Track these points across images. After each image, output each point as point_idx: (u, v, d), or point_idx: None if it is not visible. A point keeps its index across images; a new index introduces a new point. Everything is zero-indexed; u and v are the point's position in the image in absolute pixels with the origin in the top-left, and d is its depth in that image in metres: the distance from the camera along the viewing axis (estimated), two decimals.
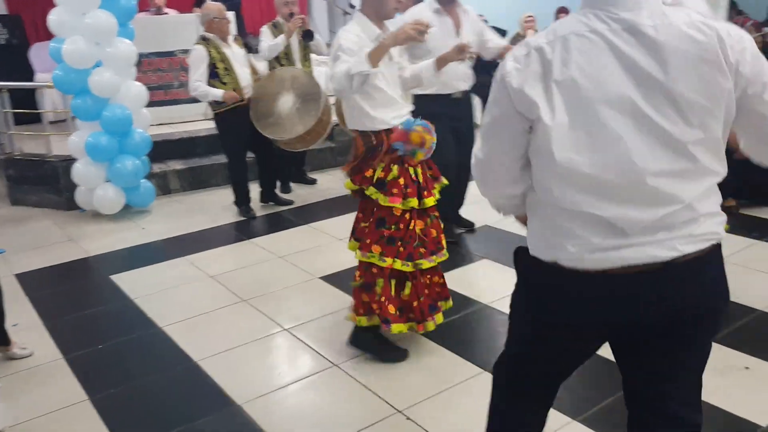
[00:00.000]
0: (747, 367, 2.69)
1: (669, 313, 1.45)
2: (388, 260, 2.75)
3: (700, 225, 1.41)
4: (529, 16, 7.81)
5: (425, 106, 3.58)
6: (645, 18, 1.36)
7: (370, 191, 2.78)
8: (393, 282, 2.82)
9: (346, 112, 2.87)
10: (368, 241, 2.81)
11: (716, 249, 1.46)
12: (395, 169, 2.75)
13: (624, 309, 1.44)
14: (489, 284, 3.67)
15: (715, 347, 2.83)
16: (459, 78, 3.96)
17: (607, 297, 1.44)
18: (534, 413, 1.77)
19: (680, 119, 1.35)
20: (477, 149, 1.59)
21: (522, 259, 1.58)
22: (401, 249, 2.76)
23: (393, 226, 2.76)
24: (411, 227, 2.78)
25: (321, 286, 3.75)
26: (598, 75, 1.36)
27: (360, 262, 2.87)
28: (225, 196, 5.40)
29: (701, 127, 1.36)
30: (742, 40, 1.37)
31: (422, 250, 2.81)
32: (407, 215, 2.78)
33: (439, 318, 2.92)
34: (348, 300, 3.49)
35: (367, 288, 2.83)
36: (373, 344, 2.93)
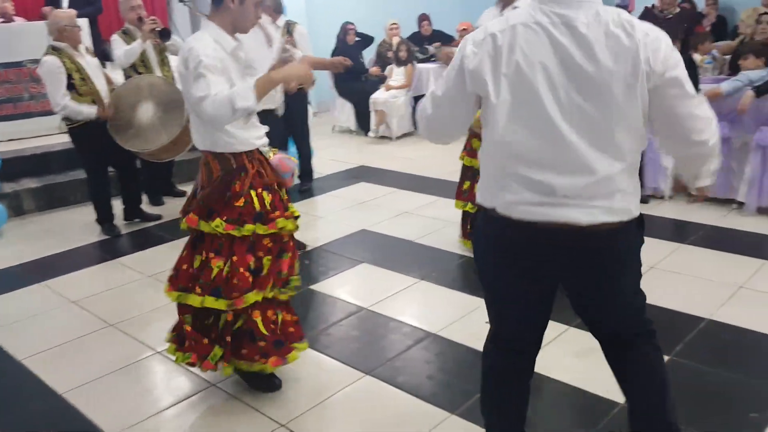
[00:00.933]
0: None
1: (580, 265, 1.76)
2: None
3: (618, 200, 1.68)
4: (394, 24, 8.01)
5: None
6: (581, 16, 1.62)
7: (249, 228, 2.51)
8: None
9: (196, 130, 2.56)
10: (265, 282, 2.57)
11: (629, 224, 1.73)
12: (266, 194, 2.57)
13: (543, 257, 1.75)
14: (369, 288, 3.71)
15: (573, 332, 3.07)
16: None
17: (531, 244, 1.74)
18: (522, 361, 2.00)
19: (603, 105, 1.61)
20: (426, 106, 1.86)
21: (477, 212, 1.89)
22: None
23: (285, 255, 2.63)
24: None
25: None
26: (536, 60, 1.62)
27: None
28: (86, 214, 5.09)
29: (620, 114, 1.62)
30: (657, 40, 1.62)
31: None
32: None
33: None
34: None
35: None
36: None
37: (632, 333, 1.93)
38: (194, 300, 2.58)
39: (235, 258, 2.53)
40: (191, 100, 2.38)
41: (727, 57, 5.66)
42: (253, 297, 2.53)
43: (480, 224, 1.87)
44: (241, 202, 2.51)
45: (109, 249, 4.60)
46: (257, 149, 2.61)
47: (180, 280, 2.63)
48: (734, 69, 5.04)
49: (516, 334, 1.96)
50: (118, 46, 4.94)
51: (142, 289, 3.89)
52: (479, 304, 3.39)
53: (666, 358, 2.74)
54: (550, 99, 1.62)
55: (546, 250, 1.74)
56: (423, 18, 8.49)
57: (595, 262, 1.75)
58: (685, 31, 5.78)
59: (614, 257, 1.76)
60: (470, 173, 3.87)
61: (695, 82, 4.81)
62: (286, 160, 2.80)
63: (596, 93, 1.61)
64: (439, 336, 3.12)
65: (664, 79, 1.61)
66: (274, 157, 2.72)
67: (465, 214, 4.05)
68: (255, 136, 2.59)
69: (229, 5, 2.41)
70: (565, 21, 1.62)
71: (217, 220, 2.50)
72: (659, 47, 1.61)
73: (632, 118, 1.64)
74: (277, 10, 4.93)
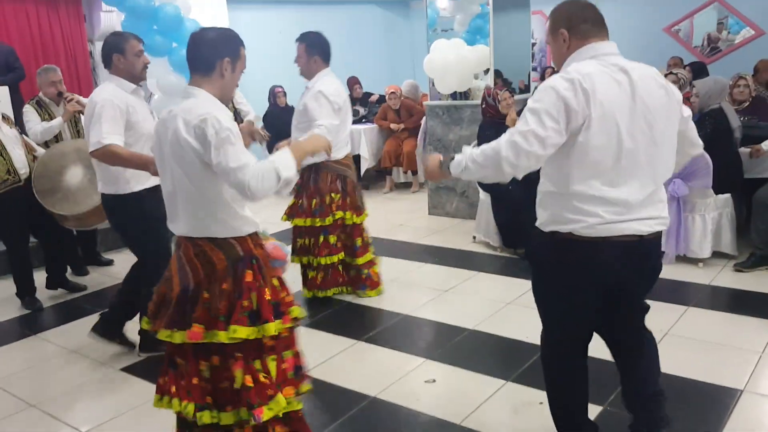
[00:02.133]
0: (541, 402, 2.94)
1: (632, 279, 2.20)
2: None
3: (663, 210, 2.15)
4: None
5: None
6: (624, 62, 2.07)
7: (246, 332, 2.16)
8: None
9: (186, 215, 2.19)
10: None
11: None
12: (268, 290, 2.25)
13: (613, 267, 2.12)
14: (305, 352, 3.64)
15: (511, 386, 3.10)
16: None
17: (605, 257, 2.10)
18: (581, 369, 2.39)
19: (657, 131, 2.07)
20: (521, 141, 2.00)
21: (540, 248, 2.24)
22: None
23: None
24: None
25: (121, 377, 3.46)
26: (612, 99, 1.99)
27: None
28: (4, 287, 4.84)
29: (667, 137, 2.12)
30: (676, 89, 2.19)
31: None
32: None
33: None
34: (152, 388, 3.27)
35: None
36: None
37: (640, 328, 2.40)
38: (228, 418, 2.22)
39: (258, 361, 2.22)
40: (221, 170, 2.05)
41: None
42: (281, 403, 2.23)
43: (551, 248, 2.18)
44: (254, 297, 2.20)
45: (29, 324, 4.36)
46: (255, 232, 2.31)
47: (194, 398, 2.24)
48: None
49: (582, 337, 2.35)
50: (32, 118, 4.84)
51: (64, 365, 3.68)
52: (418, 362, 3.39)
53: (598, 408, 2.82)
54: (624, 128, 2.01)
55: (616, 261, 2.10)
56: (354, 81, 8.74)
57: (650, 265, 2.23)
58: None
59: (660, 261, 2.28)
60: (299, 231, 4.26)
61: None
62: (281, 246, 2.47)
63: (652, 120, 2.05)
64: (378, 399, 3.08)
65: (683, 116, 2.22)
66: (269, 243, 2.40)
67: (303, 266, 4.33)
68: (252, 215, 2.30)
69: (223, 73, 2.22)
70: (620, 68, 2.05)
71: (236, 326, 2.15)
72: (679, 93, 2.19)
73: (673, 140, 2.15)
74: None
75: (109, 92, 3.24)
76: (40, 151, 4.72)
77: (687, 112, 2.25)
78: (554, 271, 2.21)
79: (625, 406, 2.50)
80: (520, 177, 2.08)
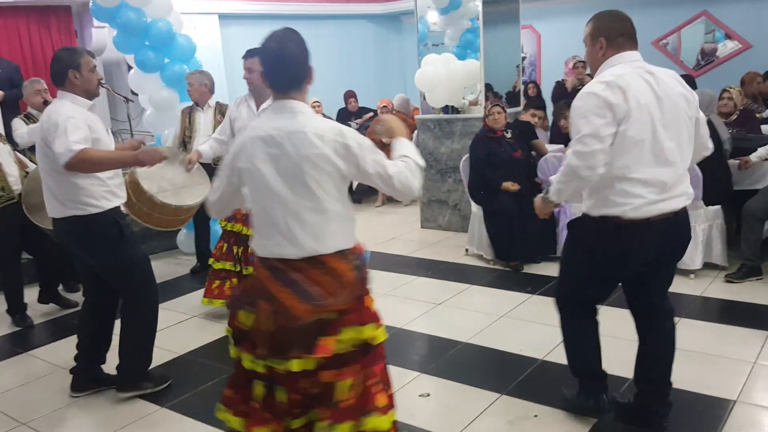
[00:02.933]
0: (536, 415, 2.95)
1: (674, 248, 2.60)
2: None
3: (688, 187, 2.52)
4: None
5: None
6: (649, 66, 2.46)
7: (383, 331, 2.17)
8: None
9: (333, 232, 2.09)
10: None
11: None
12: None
13: (661, 242, 2.51)
14: None
15: (505, 399, 3.10)
16: None
17: (650, 235, 2.46)
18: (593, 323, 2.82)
19: (681, 122, 2.47)
20: (581, 147, 2.37)
21: (583, 222, 2.61)
22: None
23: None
24: None
25: (112, 395, 3.41)
26: (643, 98, 2.36)
27: None
28: None
29: (688, 128, 2.50)
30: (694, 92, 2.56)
31: None
32: None
33: None
34: (147, 406, 3.25)
35: None
36: None
37: (666, 305, 2.73)
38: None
39: (366, 370, 2.14)
40: (381, 178, 2.07)
41: None
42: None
43: (601, 231, 2.51)
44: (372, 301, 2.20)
45: (20, 341, 4.32)
46: None
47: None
48: None
49: (601, 300, 2.82)
50: (19, 127, 4.92)
51: (55, 382, 3.65)
52: (412, 376, 3.38)
53: (593, 420, 2.82)
54: (657, 118, 2.39)
55: (662, 236, 2.47)
56: (350, 95, 8.87)
57: (684, 235, 2.59)
58: None
59: (689, 229, 2.63)
60: (228, 236, 4.27)
61: None
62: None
63: (677, 113, 2.43)
64: None
65: (698, 117, 2.57)
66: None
67: (214, 271, 4.30)
68: None
69: (312, 79, 2.15)
70: (647, 71, 2.43)
71: (373, 326, 2.13)
72: (696, 97, 2.59)
73: (692, 131, 2.52)
74: (211, 90, 5.09)
75: (69, 109, 3.03)
76: (32, 167, 4.71)
77: (702, 116, 2.59)
78: (603, 251, 2.54)
79: (634, 381, 2.79)
80: (602, 171, 2.39)
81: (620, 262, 2.56)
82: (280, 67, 2.08)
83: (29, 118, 4.96)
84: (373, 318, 2.15)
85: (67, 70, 3.12)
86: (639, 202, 2.41)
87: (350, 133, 2.06)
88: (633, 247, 2.50)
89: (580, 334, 2.83)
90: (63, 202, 3.09)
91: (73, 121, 2.96)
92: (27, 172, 4.57)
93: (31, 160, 4.87)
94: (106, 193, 3.13)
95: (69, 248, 3.27)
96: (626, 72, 2.40)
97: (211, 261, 4.34)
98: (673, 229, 2.51)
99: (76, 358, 3.47)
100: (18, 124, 4.96)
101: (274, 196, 2.05)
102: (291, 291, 2.02)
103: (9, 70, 6.46)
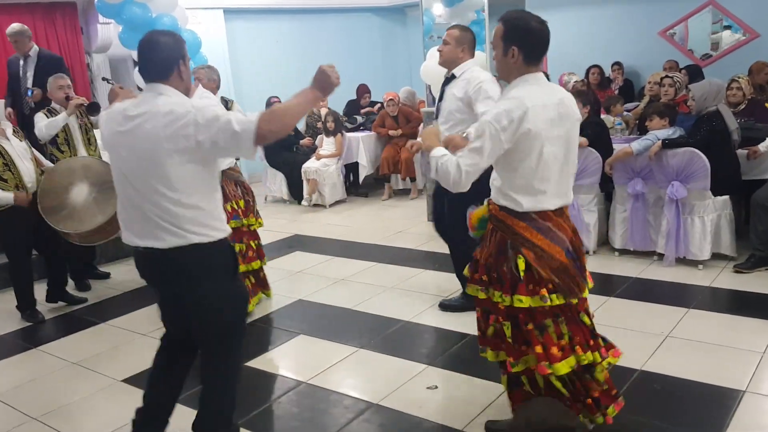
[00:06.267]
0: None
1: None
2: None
3: None
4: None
5: None
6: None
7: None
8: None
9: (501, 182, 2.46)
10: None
11: None
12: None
13: None
14: (307, 361, 3.65)
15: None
16: None
17: None
18: None
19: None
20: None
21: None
22: None
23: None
24: None
25: (124, 389, 3.46)
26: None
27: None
28: (5, 301, 4.83)
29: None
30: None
31: None
32: None
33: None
34: None
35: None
36: None
37: None
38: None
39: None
40: (479, 165, 2.35)
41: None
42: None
43: None
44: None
45: (30, 337, 4.36)
46: None
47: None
48: (642, 130, 5.39)
49: None
50: (39, 120, 4.89)
51: (66, 378, 3.68)
52: (420, 369, 3.39)
53: None
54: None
55: None
56: (364, 90, 8.98)
57: None
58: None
59: None
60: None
61: (608, 143, 5.12)
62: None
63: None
64: (381, 406, 3.08)
65: None
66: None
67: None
68: None
69: None
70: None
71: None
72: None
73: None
74: (218, 86, 5.10)
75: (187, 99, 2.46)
76: (48, 164, 4.74)
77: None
78: None
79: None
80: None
81: None
82: None
83: (51, 113, 4.95)
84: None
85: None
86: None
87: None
88: None
89: None
90: (179, 228, 2.34)
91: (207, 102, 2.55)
92: (43, 171, 4.60)
93: (52, 155, 4.92)
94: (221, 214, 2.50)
95: (165, 283, 2.53)
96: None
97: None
98: None
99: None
100: (39, 118, 4.91)
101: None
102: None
103: (54, 61, 5.99)
